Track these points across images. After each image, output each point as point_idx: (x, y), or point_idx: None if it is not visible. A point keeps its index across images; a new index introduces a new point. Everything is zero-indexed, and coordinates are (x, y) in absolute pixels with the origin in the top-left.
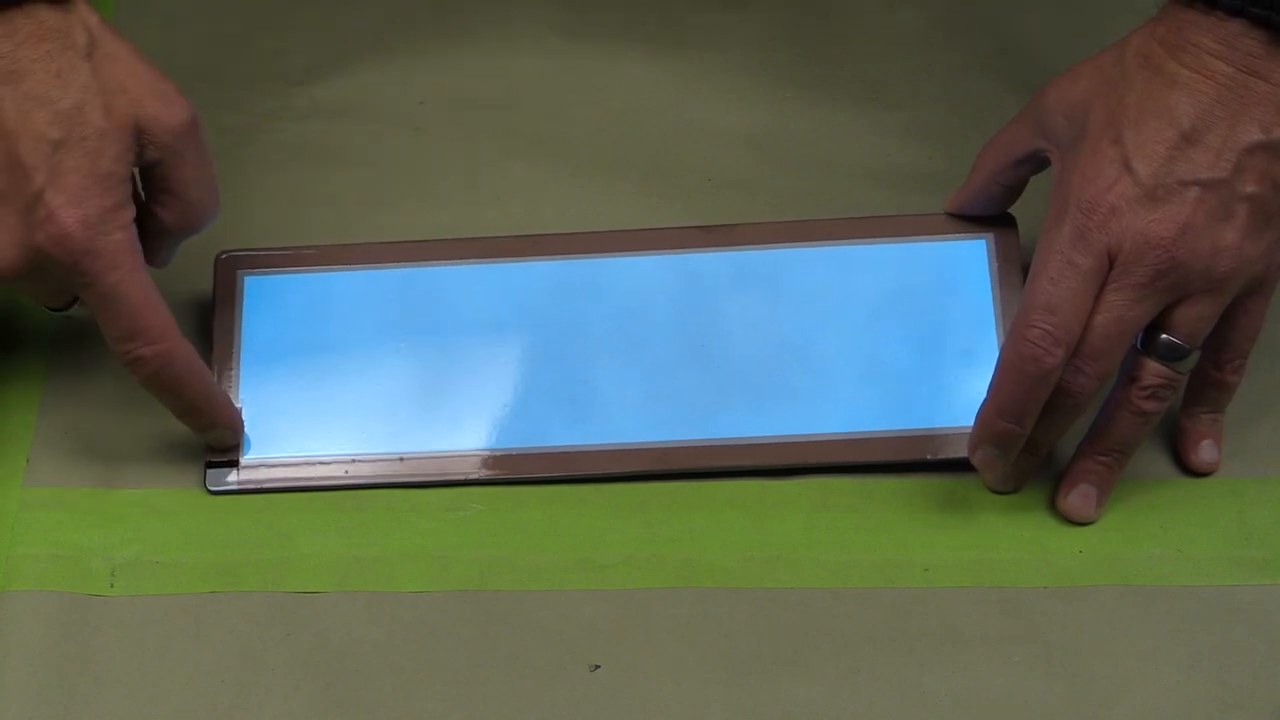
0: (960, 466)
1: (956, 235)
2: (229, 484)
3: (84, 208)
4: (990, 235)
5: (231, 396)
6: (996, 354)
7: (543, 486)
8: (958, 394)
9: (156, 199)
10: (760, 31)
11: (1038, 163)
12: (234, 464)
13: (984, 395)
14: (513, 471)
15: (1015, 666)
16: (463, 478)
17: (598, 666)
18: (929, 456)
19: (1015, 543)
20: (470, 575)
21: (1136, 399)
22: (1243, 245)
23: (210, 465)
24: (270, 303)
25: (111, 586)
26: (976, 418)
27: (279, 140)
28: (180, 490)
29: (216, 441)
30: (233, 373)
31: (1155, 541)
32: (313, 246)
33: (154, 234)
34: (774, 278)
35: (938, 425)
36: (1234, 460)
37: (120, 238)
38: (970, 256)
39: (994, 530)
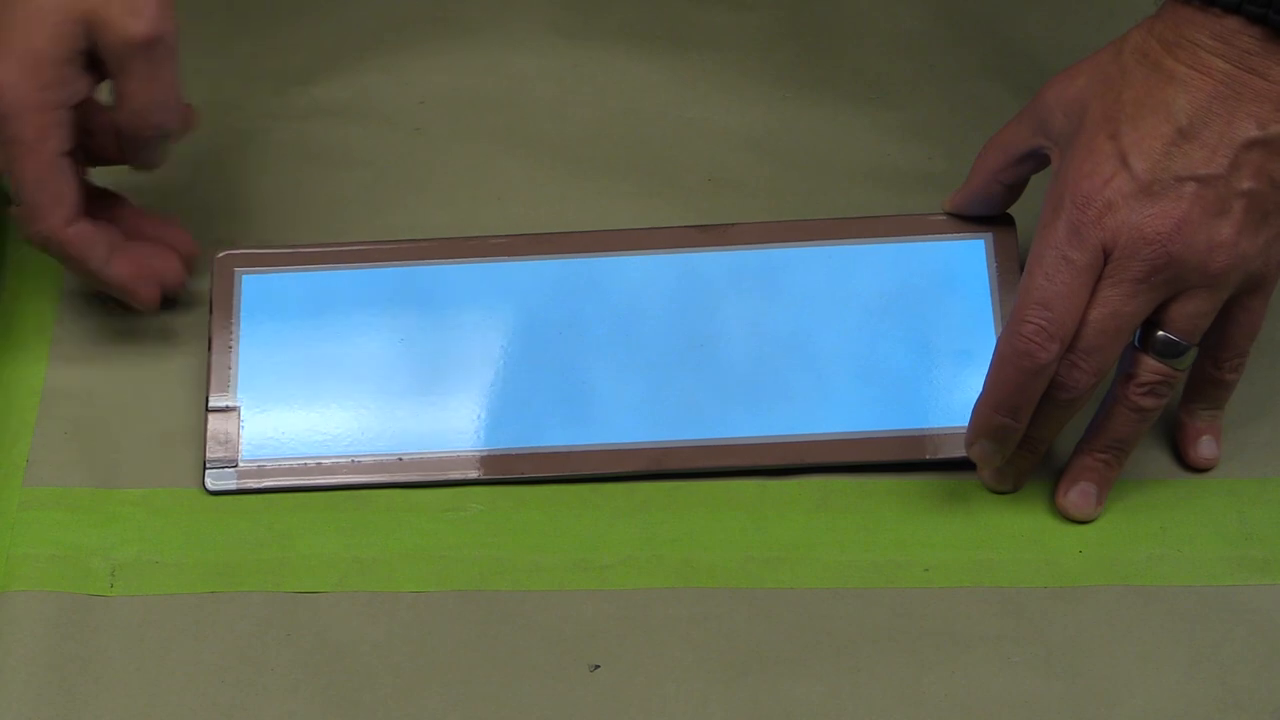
0: (960, 466)
1: (955, 235)
2: (229, 484)
3: (5, 73)
4: (989, 235)
5: (230, 395)
6: None
7: (542, 486)
8: (957, 393)
9: (113, 95)
10: (760, 31)
11: (1038, 161)
12: (234, 464)
13: None
14: (512, 471)
15: (1015, 666)
16: (462, 478)
17: (598, 666)
18: (928, 456)
19: (1015, 543)
20: (470, 575)
21: (1134, 396)
22: (1238, 241)
23: (210, 465)
24: (269, 301)
25: (111, 586)
26: (973, 412)
27: (279, 140)
28: (180, 490)
29: (143, 302)
30: (231, 372)
31: (1155, 541)
32: (312, 245)
33: (119, 130)
34: (772, 277)
35: (937, 425)
36: (1233, 460)
37: (36, 119)
38: (969, 256)
39: (994, 530)
